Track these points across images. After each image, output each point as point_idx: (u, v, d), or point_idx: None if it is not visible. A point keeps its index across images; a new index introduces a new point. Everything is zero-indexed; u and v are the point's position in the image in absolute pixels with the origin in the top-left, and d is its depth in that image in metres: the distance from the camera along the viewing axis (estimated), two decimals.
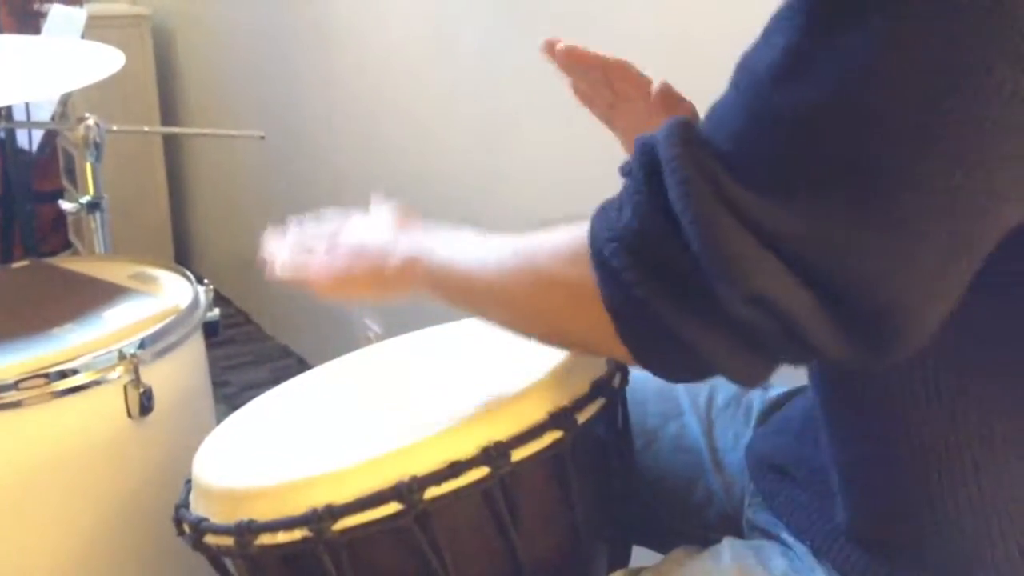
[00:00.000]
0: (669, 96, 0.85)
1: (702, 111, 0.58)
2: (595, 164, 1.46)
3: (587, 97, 0.91)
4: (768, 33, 0.52)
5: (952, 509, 0.59)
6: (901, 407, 0.59)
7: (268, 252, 0.81)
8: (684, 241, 0.52)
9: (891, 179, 0.48)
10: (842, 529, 0.65)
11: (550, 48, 0.86)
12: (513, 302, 0.65)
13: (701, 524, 0.85)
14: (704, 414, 0.89)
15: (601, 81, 0.87)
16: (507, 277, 0.64)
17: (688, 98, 0.86)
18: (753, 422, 0.85)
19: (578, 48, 0.86)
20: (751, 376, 0.56)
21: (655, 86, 0.85)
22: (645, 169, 0.54)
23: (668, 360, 0.56)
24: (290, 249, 0.80)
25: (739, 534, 0.78)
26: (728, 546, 0.72)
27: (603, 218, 0.57)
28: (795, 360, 0.55)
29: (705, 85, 0.61)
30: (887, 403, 0.60)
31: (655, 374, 0.58)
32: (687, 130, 0.53)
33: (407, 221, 0.78)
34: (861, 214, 0.49)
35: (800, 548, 0.69)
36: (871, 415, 0.61)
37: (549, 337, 0.65)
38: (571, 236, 0.59)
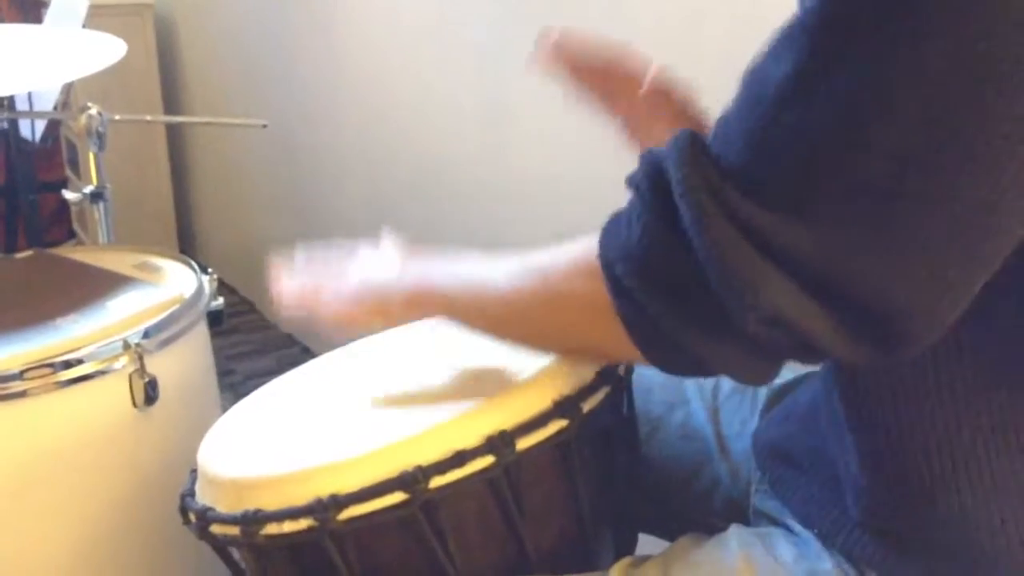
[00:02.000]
0: (664, 84, 0.84)
1: (709, 104, 0.58)
2: (597, 153, 1.45)
3: (582, 88, 0.89)
4: (775, 49, 0.52)
5: (967, 497, 0.59)
6: (916, 398, 0.59)
7: (275, 288, 0.81)
8: (696, 262, 0.53)
9: (901, 199, 0.49)
10: (851, 516, 0.65)
11: (546, 47, 0.85)
12: (527, 319, 0.66)
13: (707, 511, 0.85)
14: (710, 401, 0.89)
15: (598, 72, 0.86)
16: (519, 295, 0.65)
17: (691, 89, 0.85)
18: (760, 409, 0.85)
19: (571, 42, 0.85)
20: (760, 378, 0.59)
21: (650, 75, 0.84)
22: (654, 188, 0.55)
23: (681, 365, 0.59)
24: (296, 285, 0.80)
25: (745, 521, 0.78)
26: (735, 534, 0.72)
27: (613, 235, 0.58)
28: (805, 362, 0.57)
29: (711, 77, 0.61)
30: (902, 394, 0.60)
31: (671, 374, 0.62)
32: (696, 147, 0.54)
33: (413, 252, 0.78)
34: (871, 230, 0.50)
35: (807, 535, 0.69)
36: (886, 406, 0.61)
37: (565, 350, 0.68)
38: (582, 250, 0.60)
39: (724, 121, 0.55)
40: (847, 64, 0.49)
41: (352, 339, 0.84)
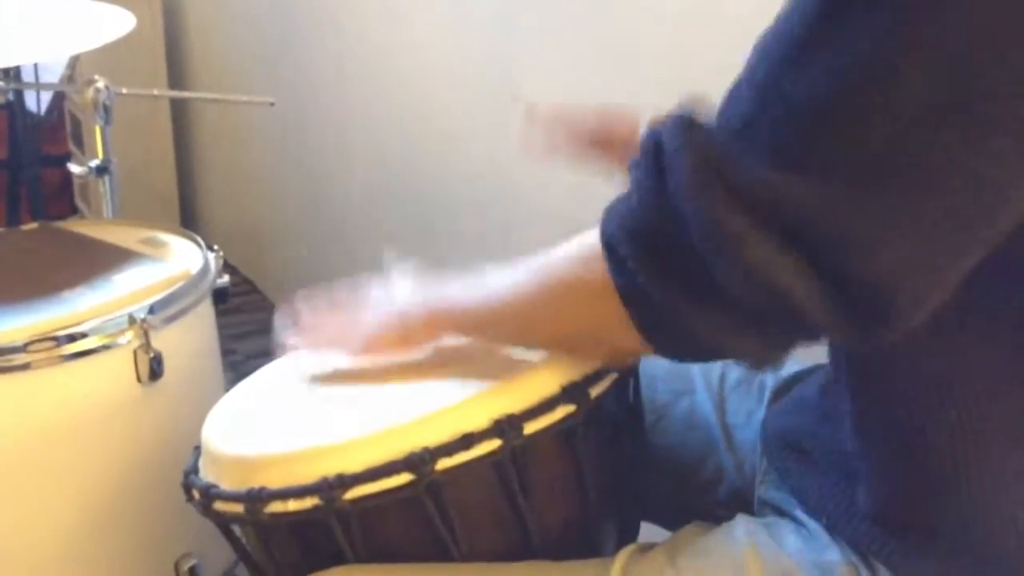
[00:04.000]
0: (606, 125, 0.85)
1: (723, 87, 0.57)
2: None
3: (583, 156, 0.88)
4: (783, 16, 0.53)
5: (980, 490, 0.58)
6: (931, 390, 0.59)
7: (283, 335, 0.82)
8: (684, 225, 0.53)
9: (898, 163, 0.50)
10: (860, 507, 0.65)
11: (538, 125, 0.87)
12: (536, 318, 0.67)
13: (712, 500, 0.85)
14: (716, 391, 0.89)
15: (596, 140, 0.86)
16: (526, 296, 0.66)
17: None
18: (766, 400, 0.85)
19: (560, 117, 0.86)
20: (758, 359, 0.59)
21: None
22: (650, 158, 0.56)
23: (679, 344, 0.60)
24: (307, 332, 0.81)
25: (750, 511, 0.78)
26: (741, 523, 0.72)
27: (613, 210, 0.59)
28: (796, 339, 0.57)
29: (735, 57, 0.60)
30: (915, 386, 0.59)
31: (670, 358, 0.63)
32: (690, 116, 0.56)
33: (423, 278, 0.78)
34: (865, 192, 0.51)
35: (814, 526, 0.69)
36: (898, 398, 0.61)
37: (574, 344, 0.68)
38: (584, 240, 0.62)
39: (732, 86, 0.56)
40: (854, 22, 0.49)
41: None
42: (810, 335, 0.56)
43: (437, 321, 0.74)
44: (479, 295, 0.70)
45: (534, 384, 0.71)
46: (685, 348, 0.60)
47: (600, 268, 0.59)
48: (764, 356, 0.59)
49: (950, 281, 0.53)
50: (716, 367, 0.90)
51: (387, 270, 0.79)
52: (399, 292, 0.77)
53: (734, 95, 0.55)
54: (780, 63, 0.52)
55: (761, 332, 0.56)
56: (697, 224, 0.53)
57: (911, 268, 0.51)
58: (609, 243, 0.58)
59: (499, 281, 0.69)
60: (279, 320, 0.83)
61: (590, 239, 0.60)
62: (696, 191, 0.53)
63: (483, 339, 0.73)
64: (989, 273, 0.54)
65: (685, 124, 0.55)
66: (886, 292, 0.51)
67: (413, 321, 0.75)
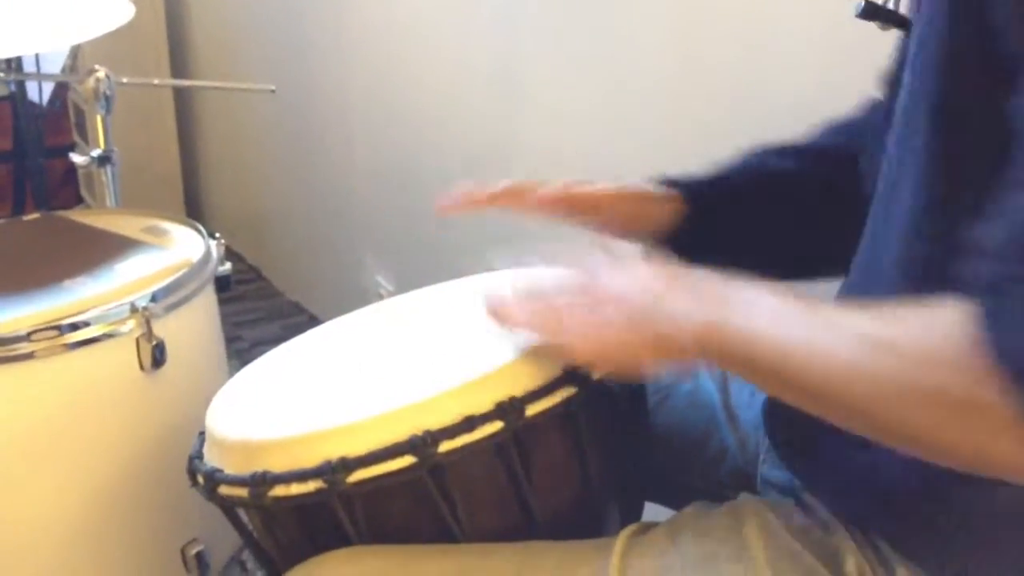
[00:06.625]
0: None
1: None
2: (609, 123, 1.44)
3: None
4: None
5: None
6: None
7: (500, 306, 0.69)
8: None
9: None
10: (862, 486, 0.64)
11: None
12: (867, 407, 0.53)
13: (714, 480, 0.85)
14: (720, 370, 0.89)
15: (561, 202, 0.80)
16: (857, 376, 0.53)
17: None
18: None
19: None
20: None
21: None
22: None
23: None
24: (524, 300, 0.68)
25: (752, 490, 0.78)
26: (744, 502, 0.72)
27: (1010, 321, 0.47)
28: None
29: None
30: None
31: None
32: None
33: (674, 274, 0.64)
34: None
35: (816, 505, 0.68)
36: None
37: (918, 449, 0.54)
38: (949, 335, 0.49)
39: None
40: None
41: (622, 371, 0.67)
42: None
43: (710, 340, 0.59)
44: (781, 337, 0.56)
45: (537, 366, 0.71)
46: None
47: (991, 391, 0.47)
48: None
49: None
50: None
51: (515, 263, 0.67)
52: (647, 279, 0.64)
53: None
54: None
55: None
56: None
57: None
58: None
59: (810, 332, 0.55)
60: (489, 306, 0.69)
61: (960, 337, 0.48)
62: None
63: (762, 386, 0.61)
64: None
65: None
66: None
67: (684, 332, 0.60)
